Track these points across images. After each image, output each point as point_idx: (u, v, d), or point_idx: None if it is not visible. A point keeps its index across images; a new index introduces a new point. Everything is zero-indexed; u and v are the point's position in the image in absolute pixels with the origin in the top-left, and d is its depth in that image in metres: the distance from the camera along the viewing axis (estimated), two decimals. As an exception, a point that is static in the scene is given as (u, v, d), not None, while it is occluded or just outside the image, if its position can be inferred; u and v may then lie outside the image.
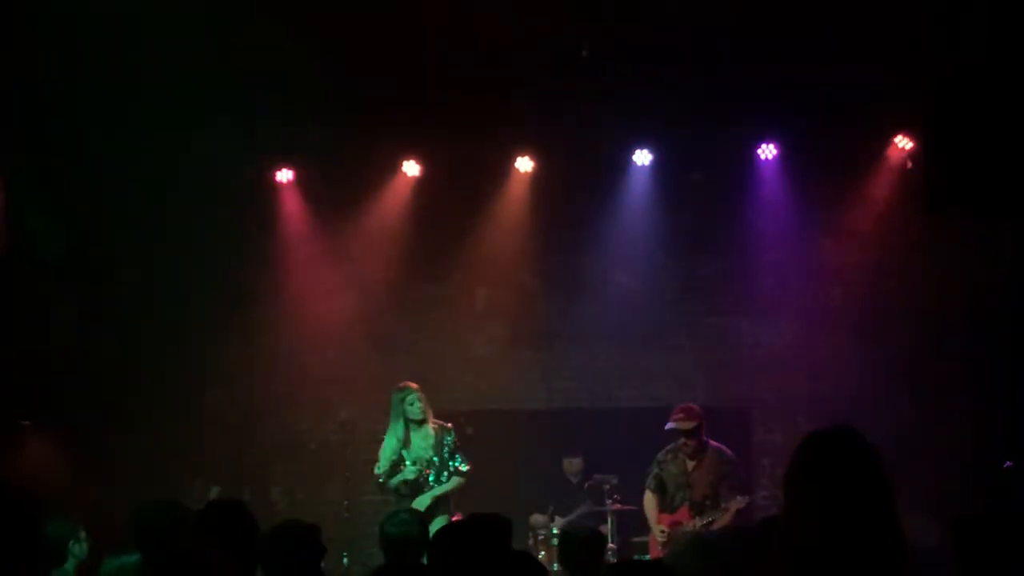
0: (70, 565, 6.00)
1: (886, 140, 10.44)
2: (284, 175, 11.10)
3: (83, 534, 6.19)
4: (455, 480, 8.60)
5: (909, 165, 10.32)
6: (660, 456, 8.86)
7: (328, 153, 10.70)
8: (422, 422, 8.56)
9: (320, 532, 4.80)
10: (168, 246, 10.57)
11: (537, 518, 9.84)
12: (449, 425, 8.73)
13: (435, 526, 8.28)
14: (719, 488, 8.61)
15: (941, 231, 9.99)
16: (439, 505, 8.50)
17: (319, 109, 10.19)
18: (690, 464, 8.71)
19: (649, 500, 8.88)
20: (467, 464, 8.65)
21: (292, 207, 11.10)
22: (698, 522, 8.62)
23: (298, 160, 10.98)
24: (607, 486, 9.53)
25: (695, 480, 8.65)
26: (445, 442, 8.60)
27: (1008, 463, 8.66)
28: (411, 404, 8.55)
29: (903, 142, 10.37)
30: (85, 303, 10.37)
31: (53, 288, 10.30)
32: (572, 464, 10.30)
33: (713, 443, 8.74)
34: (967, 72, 8.83)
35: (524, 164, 10.91)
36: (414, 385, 8.71)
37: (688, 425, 8.65)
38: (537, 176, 10.91)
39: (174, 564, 3.74)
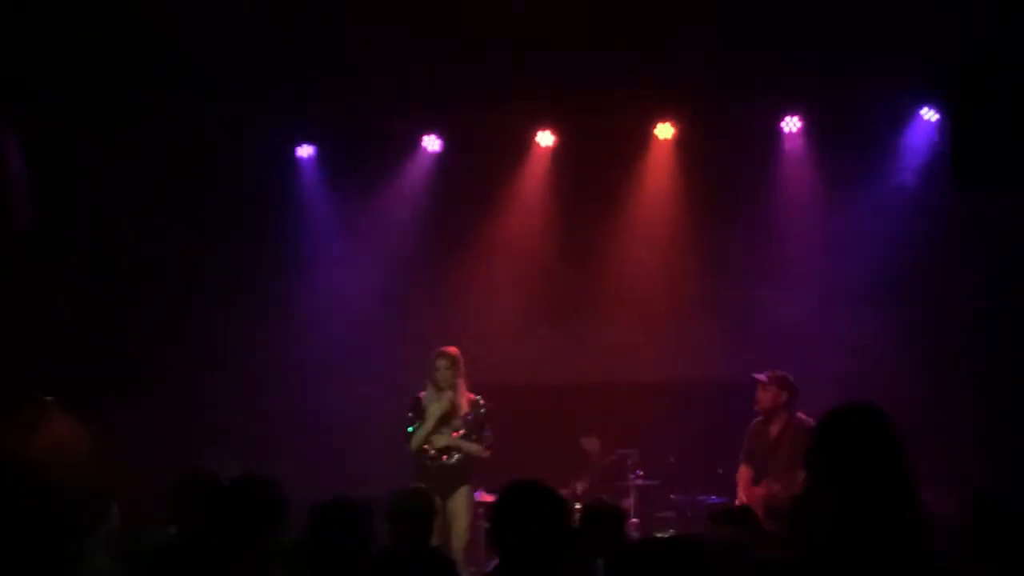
0: (100, 539, 5.96)
1: (911, 112, 10.34)
2: (305, 151, 11.12)
3: (114, 508, 6.16)
4: (477, 447, 8.57)
5: (936, 138, 10.22)
6: (750, 427, 8.72)
7: (349, 129, 10.69)
8: (446, 390, 8.53)
9: (370, 508, 4.76)
10: (188, 221, 10.59)
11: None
12: (481, 401, 8.69)
13: (458, 496, 8.37)
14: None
15: (968, 205, 9.88)
16: (460, 475, 8.49)
17: (340, 85, 10.15)
18: (773, 432, 8.56)
19: (742, 473, 8.67)
20: (490, 441, 8.63)
21: (313, 183, 11.12)
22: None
23: (319, 136, 10.99)
24: (629, 461, 9.53)
25: (777, 448, 8.48)
26: (475, 415, 8.60)
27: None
28: (436, 369, 8.55)
29: (928, 114, 10.28)
30: (105, 278, 10.40)
31: (75, 264, 10.34)
32: (590, 443, 10.28)
33: (801, 415, 8.45)
34: (994, 43, 8.73)
35: (545, 138, 10.90)
36: (449, 350, 8.59)
37: (765, 380, 8.53)
38: (558, 150, 10.90)
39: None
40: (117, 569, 5.29)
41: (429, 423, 8.46)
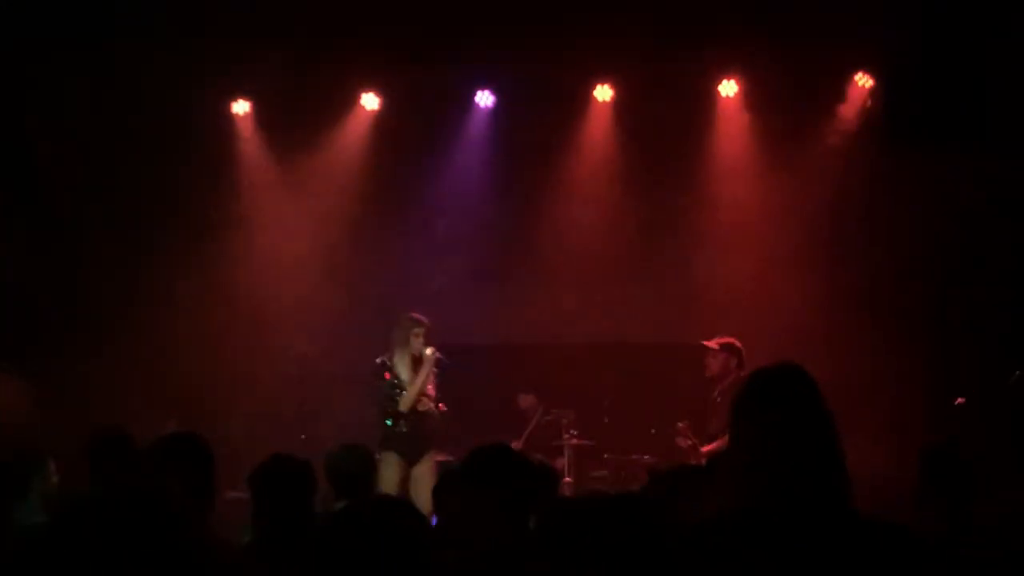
0: (35, 499, 5.85)
1: (847, 77, 10.43)
2: (241, 107, 11.01)
3: (51, 467, 6.05)
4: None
5: (869, 103, 10.33)
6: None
7: (285, 85, 10.60)
8: (420, 358, 8.63)
9: (311, 467, 4.75)
10: (124, 178, 10.45)
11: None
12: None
13: (425, 461, 8.44)
14: None
15: (902, 168, 10.00)
16: (429, 441, 8.65)
17: (276, 40, 10.04)
18: (718, 396, 8.64)
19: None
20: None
21: (249, 139, 11.02)
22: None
23: (255, 92, 10.88)
24: (564, 420, 9.60)
25: (719, 411, 8.55)
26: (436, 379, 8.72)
27: (959, 399, 8.76)
28: (415, 336, 8.66)
29: (863, 80, 10.38)
30: (39, 236, 10.26)
31: (4, 221, 10.18)
32: (526, 400, 10.35)
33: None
34: (927, 9, 8.84)
35: (484, 98, 10.87)
36: (422, 317, 8.74)
37: (716, 347, 8.60)
38: (498, 110, 10.88)
39: (130, 499, 3.70)
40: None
41: (418, 383, 8.55)
